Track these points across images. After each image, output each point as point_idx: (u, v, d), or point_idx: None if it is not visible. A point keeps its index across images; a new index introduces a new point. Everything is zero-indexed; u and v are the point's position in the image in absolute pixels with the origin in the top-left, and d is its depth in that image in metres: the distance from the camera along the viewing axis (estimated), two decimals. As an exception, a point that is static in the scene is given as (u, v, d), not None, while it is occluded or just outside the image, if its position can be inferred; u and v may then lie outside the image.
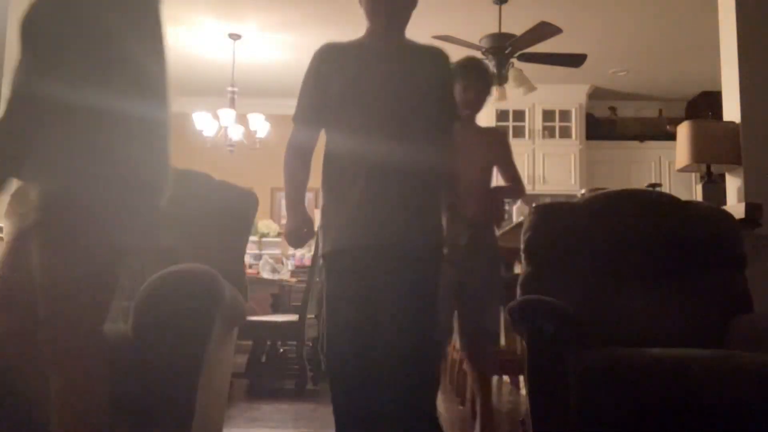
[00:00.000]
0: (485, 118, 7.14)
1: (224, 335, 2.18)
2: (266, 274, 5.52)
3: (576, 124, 7.06)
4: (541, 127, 7.08)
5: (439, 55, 1.94)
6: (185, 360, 1.82)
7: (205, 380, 1.93)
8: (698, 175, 4.30)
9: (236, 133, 6.17)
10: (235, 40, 5.89)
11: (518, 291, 2.50)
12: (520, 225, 3.43)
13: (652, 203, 2.61)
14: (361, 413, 1.80)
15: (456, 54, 5.19)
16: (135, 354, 1.79)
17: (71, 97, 1.50)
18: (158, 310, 1.80)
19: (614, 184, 6.56)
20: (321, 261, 1.95)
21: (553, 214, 2.65)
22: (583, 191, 4.06)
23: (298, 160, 1.94)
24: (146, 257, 2.01)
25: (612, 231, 2.54)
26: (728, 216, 2.66)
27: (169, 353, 1.80)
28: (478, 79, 2.72)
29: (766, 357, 2.06)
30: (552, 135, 7.09)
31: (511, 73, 4.79)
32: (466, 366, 3.80)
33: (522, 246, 2.62)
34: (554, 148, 7.04)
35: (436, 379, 1.94)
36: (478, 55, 4.84)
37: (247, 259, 6.84)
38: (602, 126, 7.41)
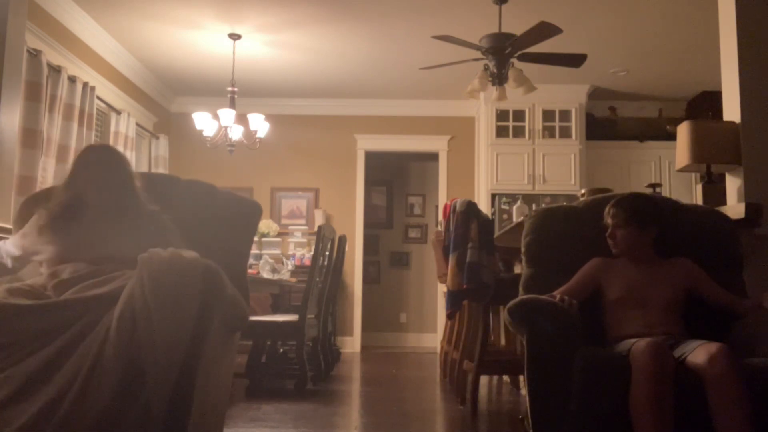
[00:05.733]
0: (485, 117, 7.16)
1: (225, 338, 2.18)
2: (266, 274, 5.52)
3: (576, 124, 7.05)
4: (541, 127, 7.08)
5: None
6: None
7: (204, 381, 1.93)
8: (698, 175, 4.30)
9: (236, 133, 6.17)
10: (235, 40, 5.89)
11: (520, 292, 2.51)
12: (520, 225, 3.44)
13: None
14: None
15: (454, 54, 5.22)
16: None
17: None
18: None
19: (614, 184, 6.56)
20: None
21: (552, 218, 2.65)
22: (583, 191, 4.06)
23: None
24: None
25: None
26: (725, 218, 2.66)
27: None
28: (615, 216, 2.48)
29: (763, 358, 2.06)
30: (552, 135, 7.09)
31: (511, 73, 4.79)
32: (466, 366, 3.80)
33: (522, 249, 2.64)
34: (554, 148, 7.04)
35: None
36: (478, 55, 4.85)
37: (248, 260, 6.83)
38: (602, 126, 7.41)
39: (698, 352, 1.98)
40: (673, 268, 2.42)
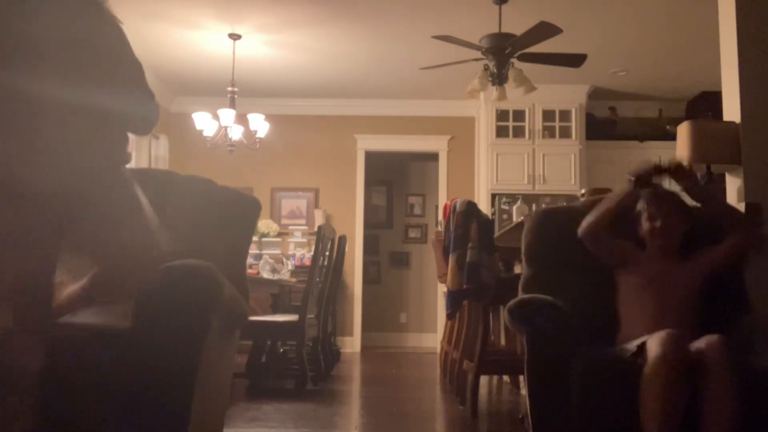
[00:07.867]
0: (485, 117, 7.16)
1: (225, 336, 2.17)
2: (266, 274, 5.52)
3: (576, 124, 7.06)
4: (541, 127, 7.08)
5: None
6: (182, 357, 1.81)
7: (203, 381, 1.93)
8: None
9: (236, 133, 6.17)
10: (235, 40, 5.89)
11: (519, 292, 2.51)
12: (520, 225, 3.44)
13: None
14: None
15: (454, 54, 5.22)
16: (131, 351, 1.78)
17: None
18: (154, 305, 1.79)
19: (614, 184, 6.54)
20: None
21: (552, 218, 2.66)
22: (583, 191, 4.06)
23: None
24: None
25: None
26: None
27: (166, 349, 1.79)
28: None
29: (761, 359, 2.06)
30: (552, 135, 7.09)
31: (511, 73, 4.79)
32: (466, 366, 3.80)
33: (522, 249, 2.63)
34: (554, 148, 7.04)
35: None
36: (478, 55, 4.86)
37: (248, 260, 6.84)
38: (602, 126, 7.41)
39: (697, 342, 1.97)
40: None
